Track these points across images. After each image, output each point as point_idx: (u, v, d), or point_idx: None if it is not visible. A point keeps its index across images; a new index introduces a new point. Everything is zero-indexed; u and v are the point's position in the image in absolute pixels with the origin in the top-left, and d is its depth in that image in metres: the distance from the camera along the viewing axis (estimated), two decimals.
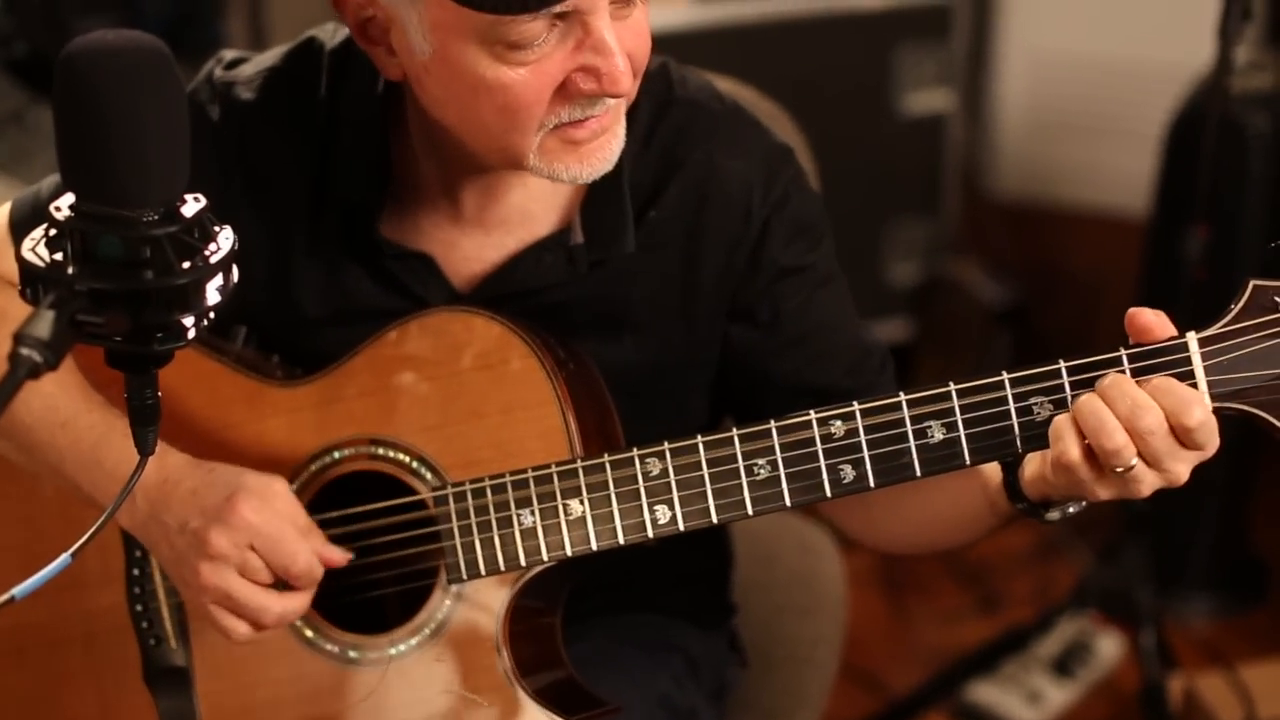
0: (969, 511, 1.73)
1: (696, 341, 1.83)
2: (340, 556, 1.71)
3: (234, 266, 1.30)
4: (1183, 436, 1.50)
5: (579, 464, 1.67)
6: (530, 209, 1.78)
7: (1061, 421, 1.53)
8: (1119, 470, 1.51)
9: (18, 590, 1.26)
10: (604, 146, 1.64)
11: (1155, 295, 3.24)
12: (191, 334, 1.29)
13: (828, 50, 3.78)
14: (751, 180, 1.79)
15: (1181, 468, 1.52)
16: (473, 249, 1.79)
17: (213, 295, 1.28)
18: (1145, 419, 1.49)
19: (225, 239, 1.29)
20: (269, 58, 1.82)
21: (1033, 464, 1.61)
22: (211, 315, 1.29)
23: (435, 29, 1.56)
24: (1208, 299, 2.78)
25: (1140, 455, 1.50)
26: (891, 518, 1.84)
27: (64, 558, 1.29)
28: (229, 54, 1.85)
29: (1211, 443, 1.52)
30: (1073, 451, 1.52)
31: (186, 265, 1.26)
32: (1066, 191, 4.03)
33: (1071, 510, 1.64)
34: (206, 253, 1.27)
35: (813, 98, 3.61)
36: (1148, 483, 1.52)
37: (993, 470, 1.67)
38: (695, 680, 1.98)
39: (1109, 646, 3.30)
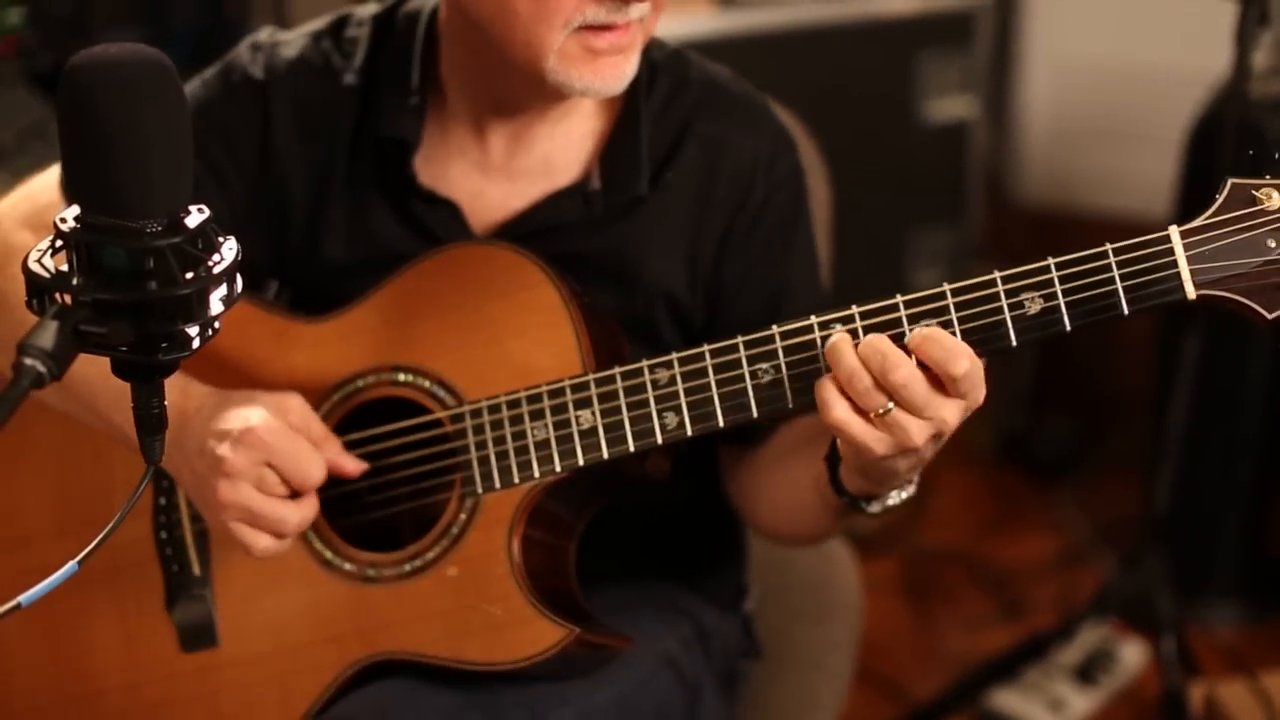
0: (810, 502, 1.80)
1: (694, 301, 1.91)
2: (354, 465, 1.79)
3: (238, 276, 1.31)
4: (949, 385, 1.56)
5: (590, 376, 1.73)
6: (554, 160, 1.89)
7: (823, 383, 1.59)
8: (881, 413, 1.56)
9: (24, 598, 1.27)
10: (620, 64, 1.75)
11: None
12: (196, 344, 1.29)
13: (851, 57, 3.78)
14: (759, 155, 1.91)
15: (946, 414, 1.58)
16: (497, 197, 1.89)
17: (216, 305, 1.29)
18: (896, 374, 1.55)
19: (228, 249, 1.30)
20: (311, 24, 1.96)
21: (845, 456, 1.67)
22: (216, 325, 1.30)
23: None
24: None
25: (900, 405, 1.56)
26: (759, 500, 1.93)
27: (70, 565, 1.30)
28: (270, 29, 1.97)
29: (975, 393, 1.58)
30: (837, 408, 1.58)
31: (190, 275, 1.26)
32: (1090, 198, 4.02)
33: (891, 502, 1.73)
34: (210, 263, 1.28)
35: (836, 105, 3.62)
36: (914, 430, 1.57)
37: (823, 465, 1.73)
38: (704, 651, 2.01)
39: (1132, 654, 3.30)
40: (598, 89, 1.76)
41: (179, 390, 1.75)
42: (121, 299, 1.25)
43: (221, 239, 1.31)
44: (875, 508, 1.75)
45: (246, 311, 1.86)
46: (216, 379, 1.80)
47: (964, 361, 1.55)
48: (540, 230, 1.86)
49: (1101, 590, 3.23)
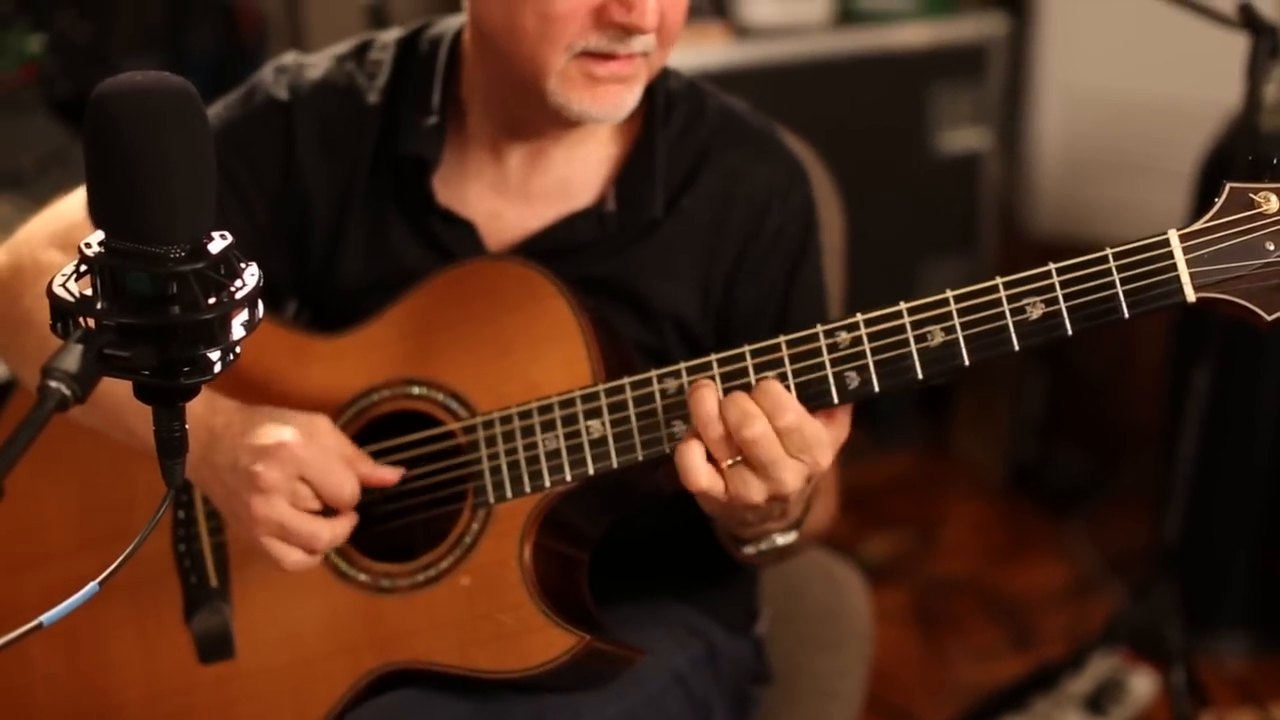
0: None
1: (705, 327, 1.94)
2: (391, 474, 1.81)
3: (259, 302, 1.32)
4: (784, 440, 1.63)
5: (599, 387, 1.75)
6: (571, 183, 1.92)
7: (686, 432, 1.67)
8: (728, 465, 1.65)
9: (46, 618, 1.28)
10: (619, 93, 1.79)
11: (1187, 331, 3.24)
12: (218, 369, 1.31)
13: (864, 89, 3.81)
14: (774, 185, 1.94)
15: (787, 476, 1.65)
16: (514, 219, 1.92)
17: (238, 330, 1.30)
18: (750, 427, 1.62)
19: (250, 275, 1.32)
20: (336, 47, 1.98)
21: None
22: (238, 350, 1.32)
23: None
24: (1239, 334, 2.79)
25: (747, 462, 1.64)
26: None
27: (91, 586, 1.31)
28: (294, 52, 2.00)
29: (811, 454, 1.65)
30: (687, 451, 1.66)
31: (212, 301, 1.28)
32: (1102, 229, 4.02)
33: (764, 548, 1.80)
34: (232, 288, 1.29)
35: (849, 136, 3.64)
36: (755, 487, 1.65)
37: None
38: (714, 672, 2.02)
39: (1141, 684, 3.29)
40: (594, 114, 1.79)
41: (206, 405, 1.77)
42: (145, 323, 1.27)
43: (244, 264, 1.32)
44: (749, 550, 1.82)
45: (264, 327, 1.85)
46: (235, 393, 1.82)
47: (790, 415, 1.63)
48: (555, 250, 1.89)
49: (1112, 620, 3.23)
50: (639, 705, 1.87)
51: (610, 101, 1.79)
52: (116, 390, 1.47)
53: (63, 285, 1.28)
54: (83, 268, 1.29)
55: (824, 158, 2.35)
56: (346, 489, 1.76)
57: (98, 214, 1.28)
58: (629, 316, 1.91)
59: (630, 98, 1.80)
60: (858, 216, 2.44)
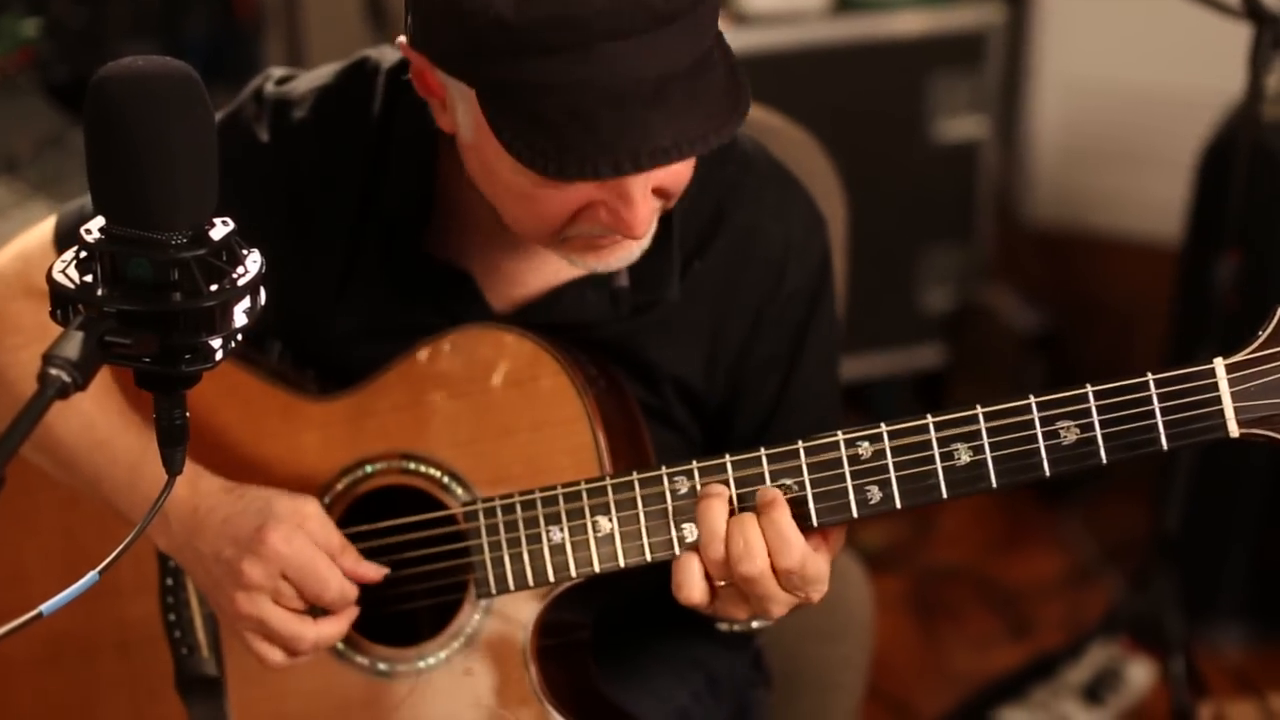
0: None
1: (710, 388, 1.86)
2: (375, 572, 1.74)
3: (261, 289, 1.31)
4: (781, 579, 1.60)
5: (607, 481, 1.68)
6: None
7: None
8: (721, 585, 1.62)
9: (45, 607, 1.27)
10: (625, 249, 1.66)
11: (1187, 322, 3.24)
12: (219, 356, 1.30)
13: (862, 77, 3.79)
14: (791, 243, 1.83)
15: (776, 609, 1.64)
16: (514, 272, 1.80)
17: (240, 318, 1.29)
18: (750, 565, 1.59)
19: (253, 262, 1.31)
20: (321, 75, 1.83)
21: None
22: (239, 337, 1.31)
23: (479, 127, 1.56)
24: (1239, 326, 2.78)
25: (738, 588, 1.61)
26: None
27: (92, 575, 1.30)
28: (278, 71, 1.86)
29: (806, 590, 1.62)
30: (685, 565, 1.63)
31: (214, 288, 1.27)
32: (1100, 219, 4.03)
33: (737, 629, 1.77)
34: (234, 275, 1.29)
35: (847, 124, 3.63)
36: (741, 610, 1.65)
37: None
38: (715, 698, 1.99)
39: (1140, 673, 3.28)
40: (604, 269, 1.69)
41: (189, 485, 1.70)
42: (146, 310, 1.25)
43: (245, 251, 1.31)
44: (723, 625, 1.78)
45: (251, 384, 1.81)
46: (222, 456, 1.76)
47: (796, 554, 1.59)
48: (562, 321, 1.79)
49: (1111, 610, 3.22)
50: None
51: (619, 257, 1.67)
52: (62, 432, 1.43)
53: (62, 272, 1.27)
54: (82, 254, 1.27)
55: (821, 146, 2.34)
56: (330, 590, 1.70)
57: (97, 199, 1.27)
58: (630, 378, 1.82)
59: (639, 248, 1.67)
60: (854, 205, 2.42)
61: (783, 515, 1.60)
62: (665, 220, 1.72)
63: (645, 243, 1.67)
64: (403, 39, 1.61)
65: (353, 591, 1.72)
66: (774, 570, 1.59)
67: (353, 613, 1.74)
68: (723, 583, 1.62)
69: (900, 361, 4.05)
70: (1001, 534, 3.84)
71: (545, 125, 1.48)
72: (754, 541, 1.59)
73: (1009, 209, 4.17)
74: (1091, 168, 4.03)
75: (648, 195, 1.58)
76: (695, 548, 1.62)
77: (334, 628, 1.73)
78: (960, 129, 3.87)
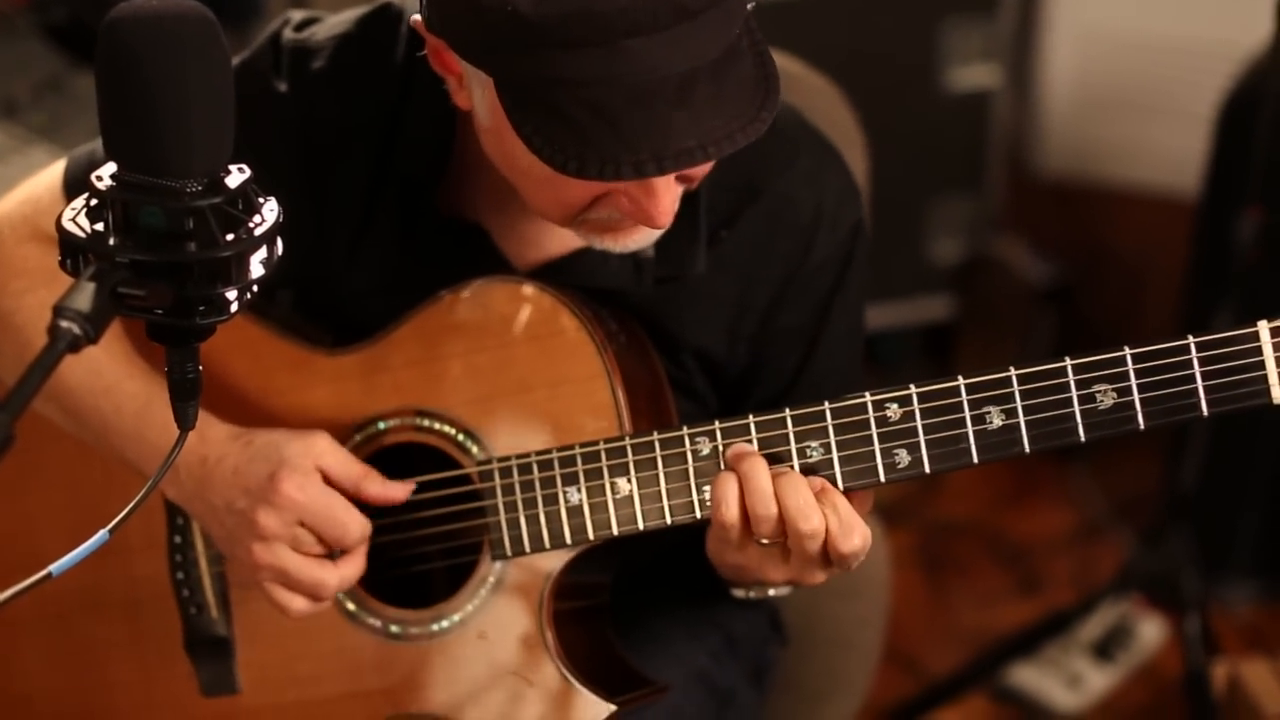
0: None
1: (732, 358, 1.82)
2: (401, 491, 1.71)
3: (278, 239, 1.28)
4: (832, 553, 1.56)
5: (627, 441, 1.64)
6: None
7: (726, 480, 1.57)
8: (763, 541, 1.57)
9: (55, 567, 1.24)
10: (645, 233, 1.61)
11: (1204, 278, 3.20)
12: (235, 308, 1.27)
13: (873, 25, 3.75)
14: (822, 212, 1.78)
15: (818, 575, 1.61)
16: (532, 233, 1.76)
17: (256, 268, 1.26)
18: (809, 522, 1.54)
19: (270, 211, 1.27)
20: (342, 22, 1.77)
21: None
22: (255, 288, 1.27)
23: (495, 112, 1.52)
24: (1259, 283, 2.75)
25: (785, 544, 1.57)
26: None
27: (101, 534, 1.27)
28: (297, 15, 1.80)
29: (847, 564, 1.59)
30: (731, 512, 1.56)
31: (230, 237, 1.24)
32: (1114, 170, 3.98)
33: (754, 595, 1.76)
34: (251, 224, 1.25)
35: (858, 72, 3.56)
36: (780, 571, 1.60)
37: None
38: (734, 658, 1.97)
39: (1151, 631, 3.28)
40: (620, 250, 1.64)
41: (197, 434, 1.62)
42: (160, 260, 1.22)
43: (262, 200, 1.28)
44: (739, 592, 1.76)
45: (261, 337, 1.78)
46: (231, 408, 1.72)
47: (856, 539, 1.56)
48: (581, 287, 1.73)
49: (1124, 567, 3.20)
50: (660, 714, 1.80)
51: (638, 239, 1.62)
52: (67, 376, 1.39)
53: (73, 220, 1.24)
54: (93, 201, 1.24)
55: (842, 94, 2.30)
56: (350, 533, 1.67)
57: (109, 145, 1.23)
58: (652, 347, 1.78)
59: (658, 230, 1.61)
60: (865, 153, 2.39)
61: (841, 500, 1.57)
62: (692, 194, 1.67)
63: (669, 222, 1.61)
64: (417, 18, 1.56)
65: (368, 528, 1.69)
66: (835, 552, 1.57)
67: (365, 549, 1.70)
68: (766, 540, 1.58)
69: (909, 313, 4.01)
70: (1011, 489, 3.82)
71: (566, 121, 1.43)
72: (808, 497, 1.55)
73: (1021, 159, 4.13)
74: (1105, 118, 3.99)
75: (670, 186, 1.54)
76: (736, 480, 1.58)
77: (354, 567, 1.69)
78: (973, 78, 3.83)
